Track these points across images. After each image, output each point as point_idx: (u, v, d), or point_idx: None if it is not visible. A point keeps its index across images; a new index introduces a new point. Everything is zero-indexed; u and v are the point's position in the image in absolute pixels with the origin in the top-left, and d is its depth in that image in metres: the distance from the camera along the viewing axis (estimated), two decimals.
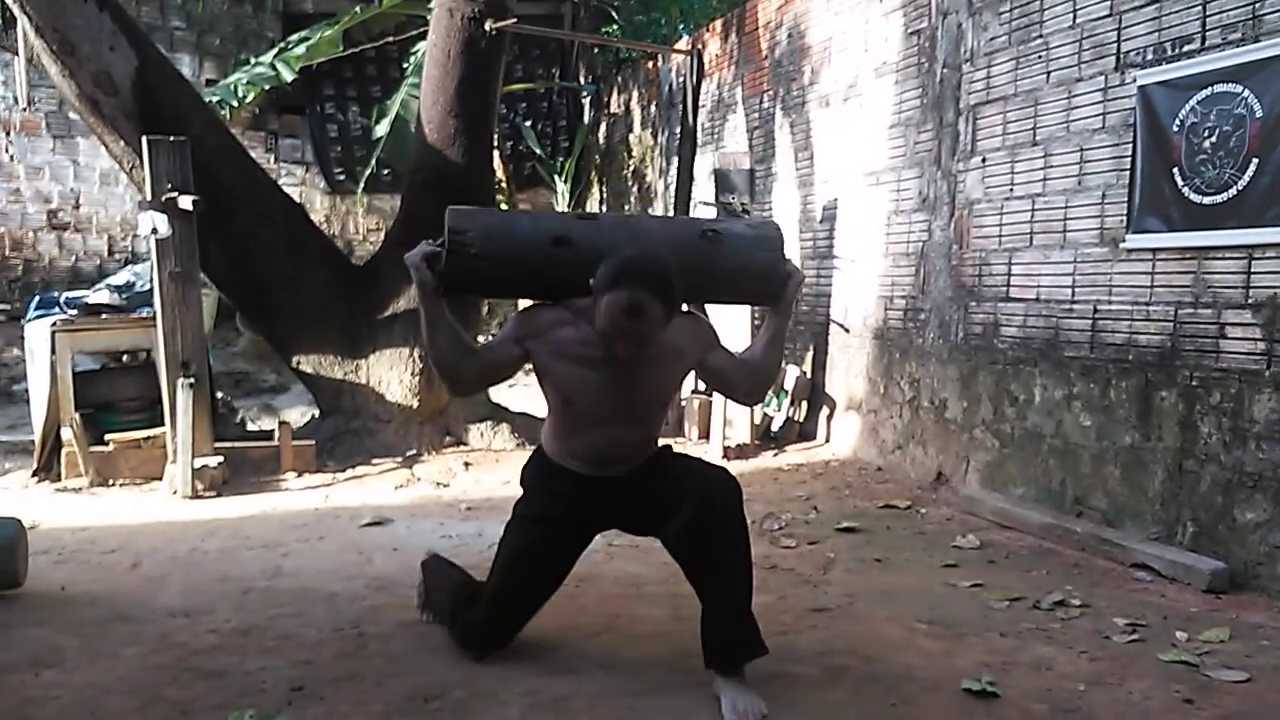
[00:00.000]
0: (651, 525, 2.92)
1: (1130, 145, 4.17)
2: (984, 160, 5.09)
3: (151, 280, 5.67)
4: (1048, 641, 3.15)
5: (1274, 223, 3.58)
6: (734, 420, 6.44)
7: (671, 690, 2.76)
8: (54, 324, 5.68)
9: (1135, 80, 4.14)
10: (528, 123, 11.53)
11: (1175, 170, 3.96)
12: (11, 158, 10.32)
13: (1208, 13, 3.85)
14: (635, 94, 10.42)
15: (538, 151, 11.31)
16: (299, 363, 6.43)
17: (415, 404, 6.31)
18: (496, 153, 8.29)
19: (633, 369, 2.69)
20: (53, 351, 5.61)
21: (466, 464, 5.99)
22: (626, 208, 10.59)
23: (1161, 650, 3.06)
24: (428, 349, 2.86)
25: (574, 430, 2.85)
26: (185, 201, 5.31)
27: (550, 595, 3.00)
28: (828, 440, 6.59)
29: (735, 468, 5.99)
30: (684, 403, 7.14)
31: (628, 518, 2.96)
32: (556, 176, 11.40)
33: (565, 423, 2.86)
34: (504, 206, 10.20)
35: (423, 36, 7.24)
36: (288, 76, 8.66)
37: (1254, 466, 3.69)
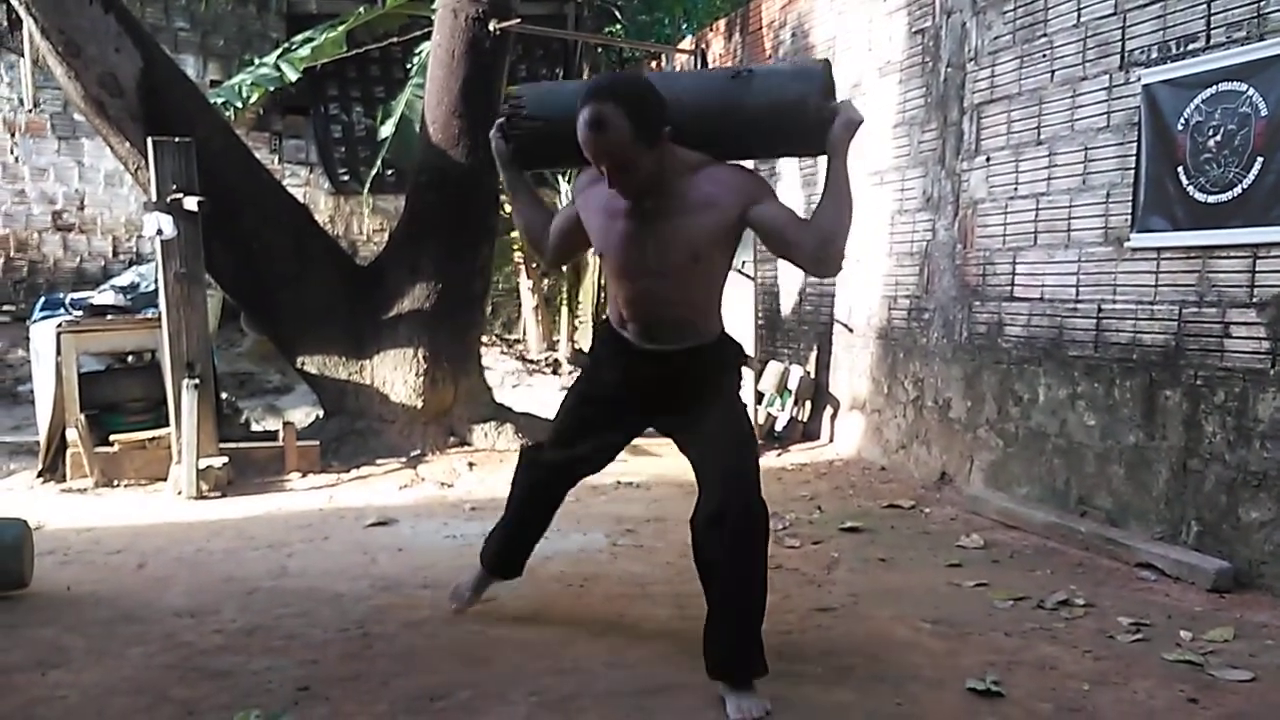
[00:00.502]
0: (680, 433, 2.93)
1: (1135, 144, 4.17)
2: (988, 159, 5.09)
3: (156, 281, 5.68)
4: (1052, 641, 3.15)
5: (1279, 221, 3.58)
6: None
7: (678, 689, 2.77)
8: (59, 325, 5.69)
9: (1140, 79, 4.14)
10: None
11: (1180, 169, 3.96)
12: (16, 159, 10.32)
13: (1212, 11, 3.85)
14: None
15: None
16: (303, 363, 6.44)
17: (419, 404, 6.31)
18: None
19: (654, 218, 2.64)
20: (58, 352, 5.62)
21: (471, 464, 5.99)
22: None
23: (1166, 650, 3.06)
24: (515, 219, 3.08)
25: (616, 290, 2.84)
26: (190, 202, 5.32)
27: (601, 460, 3.17)
28: (832, 440, 6.59)
29: None
30: None
31: (666, 409, 2.90)
32: (560, 177, 11.39)
33: (611, 283, 2.88)
34: (508, 207, 10.18)
35: (427, 37, 7.25)
36: (292, 77, 8.67)
37: (1258, 466, 3.69)
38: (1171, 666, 2.94)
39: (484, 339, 7.98)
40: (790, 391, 6.72)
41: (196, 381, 5.41)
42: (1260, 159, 3.63)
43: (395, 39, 9.46)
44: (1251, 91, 3.66)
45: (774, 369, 6.77)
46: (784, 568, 3.99)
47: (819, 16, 6.73)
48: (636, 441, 6.50)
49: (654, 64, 9.87)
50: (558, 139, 2.74)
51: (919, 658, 3.00)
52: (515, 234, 9.72)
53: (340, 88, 11.30)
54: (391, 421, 6.32)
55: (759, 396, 6.59)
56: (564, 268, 9.73)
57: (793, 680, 2.82)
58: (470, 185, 6.19)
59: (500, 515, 3.32)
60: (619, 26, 11.51)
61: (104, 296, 6.31)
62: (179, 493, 5.29)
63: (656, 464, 6.10)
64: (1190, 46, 3.94)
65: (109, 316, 6.06)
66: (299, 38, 9.20)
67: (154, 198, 5.37)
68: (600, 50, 11.55)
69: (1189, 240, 3.95)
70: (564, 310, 11.07)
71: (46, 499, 5.33)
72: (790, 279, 7.16)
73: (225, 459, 5.51)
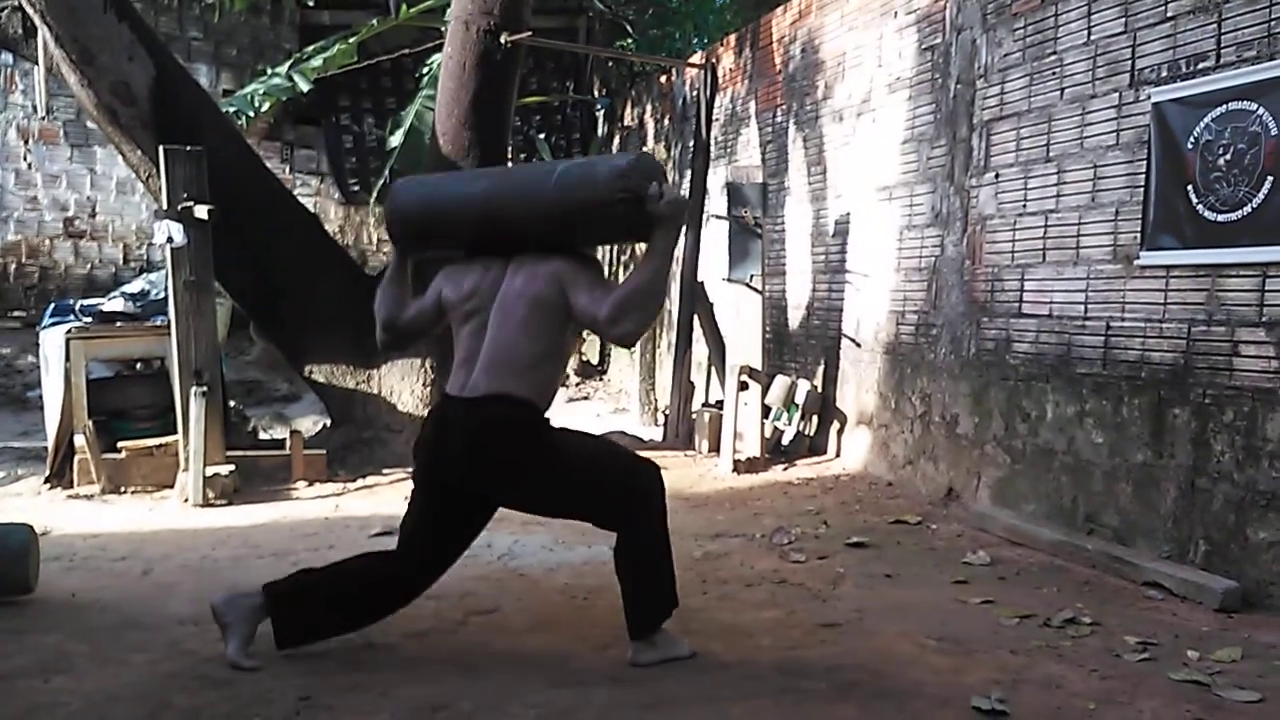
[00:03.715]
0: None
1: (1144, 162, 4.17)
2: (997, 176, 5.09)
3: (166, 289, 5.71)
4: (1058, 659, 3.14)
5: None
6: (744, 434, 6.44)
7: (678, 704, 2.76)
8: (69, 331, 5.72)
9: (1149, 97, 4.14)
10: (542, 135, 11.56)
11: (1189, 187, 3.95)
12: (30, 166, 10.40)
13: (1223, 30, 3.85)
14: (649, 107, 10.45)
15: None
16: (311, 372, 6.46)
17: (426, 414, 6.30)
18: (510, 165, 8.31)
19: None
20: (67, 359, 5.64)
21: None
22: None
23: (1173, 669, 3.04)
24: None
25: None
26: (201, 211, 5.35)
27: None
28: (838, 455, 6.57)
29: (745, 481, 6.02)
30: (694, 416, 7.14)
31: None
32: None
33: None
34: None
35: (438, 49, 7.28)
36: (304, 87, 8.71)
37: (1267, 485, 3.67)
38: (1178, 686, 2.92)
39: None
40: (797, 406, 6.71)
41: (205, 389, 5.42)
42: (1270, 178, 3.63)
43: (407, 50, 9.50)
44: (1262, 111, 3.66)
45: (781, 383, 6.76)
46: (789, 582, 3.98)
47: (829, 32, 6.74)
48: (642, 454, 6.48)
49: (664, 78, 9.90)
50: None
51: (924, 675, 2.99)
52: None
53: (352, 98, 11.36)
54: (398, 431, 6.32)
55: (766, 411, 6.58)
56: None
57: (796, 696, 2.81)
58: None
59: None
60: (630, 41, 11.54)
61: (114, 303, 6.34)
62: (185, 500, 5.30)
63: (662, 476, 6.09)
64: (1200, 65, 3.94)
65: (118, 323, 6.09)
66: (311, 48, 9.24)
67: (165, 206, 5.40)
68: (611, 64, 11.59)
69: (1198, 259, 3.94)
70: None
71: (53, 505, 5.34)
72: (799, 293, 7.16)
73: (232, 467, 5.52)
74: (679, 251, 8.00)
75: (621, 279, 2.88)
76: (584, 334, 10.46)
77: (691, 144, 8.05)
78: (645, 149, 10.41)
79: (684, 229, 6.94)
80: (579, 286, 2.89)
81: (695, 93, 8.11)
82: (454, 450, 2.93)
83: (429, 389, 6.29)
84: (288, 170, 11.16)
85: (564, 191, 2.90)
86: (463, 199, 3.10)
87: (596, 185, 2.88)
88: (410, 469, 5.85)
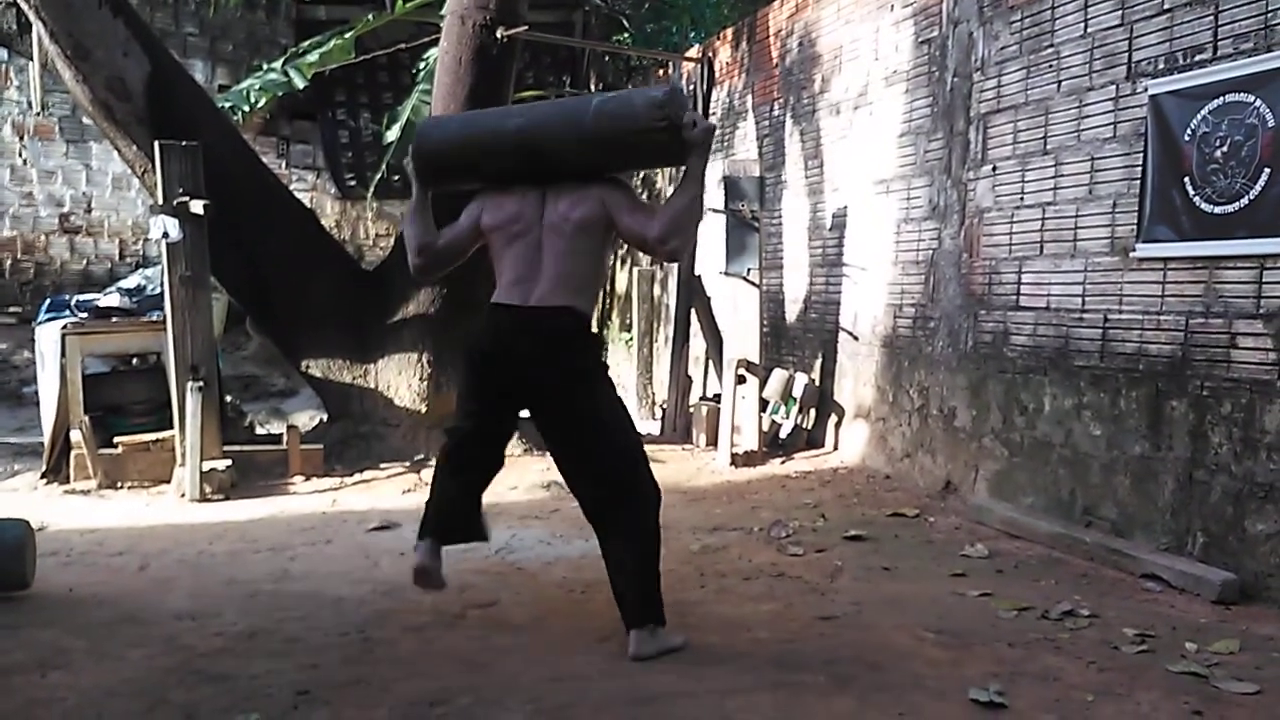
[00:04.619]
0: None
1: (1141, 154, 4.16)
2: (994, 169, 5.09)
3: (162, 284, 5.70)
4: (1056, 652, 3.14)
5: None
6: (742, 427, 6.43)
7: (676, 696, 2.76)
8: (64, 327, 5.70)
9: (1146, 89, 4.13)
10: None
11: (1186, 179, 3.95)
12: (25, 161, 10.36)
13: (1219, 22, 3.84)
14: None
15: None
16: (308, 367, 6.45)
17: (423, 409, 6.31)
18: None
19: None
20: (63, 354, 5.63)
21: None
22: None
23: (1171, 661, 3.04)
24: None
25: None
26: (196, 206, 5.34)
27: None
28: (836, 448, 6.57)
29: (743, 474, 6.02)
30: (692, 410, 7.13)
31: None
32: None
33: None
34: None
35: (434, 43, 7.25)
36: (300, 83, 8.67)
37: (1265, 477, 3.67)
38: (1176, 678, 2.92)
39: None
40: (795, 399, 6.71)
41: (201, 384, 5.42)
42: (1267, 170, 3.63)
43: (403, 45, 9.46)
44: (1259, 102, 3.65)
45: (779, 376, 6.76)
46: (786, 576, 3.98)
47: (825, 26, 6.73)
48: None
49: (661, 71, 9.89)
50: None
51: (922, 667, 2.99)
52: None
53: (348, 94, 11.33)
54: (395, 426, 6.32)
55: (763, 404, 6.58)
56: None
57: (794, 689, 2.81)
58: (475, 190, 6.18)
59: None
60: (626, 35, 11.51)
61: (110, 299, 6.33)
62: (182, 495, 5.29)
63: (660, 470, 6.09)
64: (1197, 57, 3.93)
65: (114, 319, 6.08)
66: (307, 43, 9.20)
67: (160, 201, 5.39)
68: (608, 58, 11.56)
69: (1195, 251, 3.94)
70: None
71: (50, 500, 5.34)
72: (796, 286, 7.16)
73: (229, 462, 5.51)
74: None
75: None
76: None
77: None
78: None
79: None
80: (623, 208, 3.14)
81: (692, 87, 8.09)
82: (522, 353, 3.09)
83: (426, 384, 6.28)
84: (284, 165, 11.12)
85: (603, 121, 3.11)
86: (499, 135, 3.26)
87: (636, 115, 3.09)
88: (414, 464, 5.91)
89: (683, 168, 3.23)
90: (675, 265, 7.56)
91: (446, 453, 3.33)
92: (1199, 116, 3.89)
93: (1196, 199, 3.90)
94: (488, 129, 3.34)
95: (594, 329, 3.22)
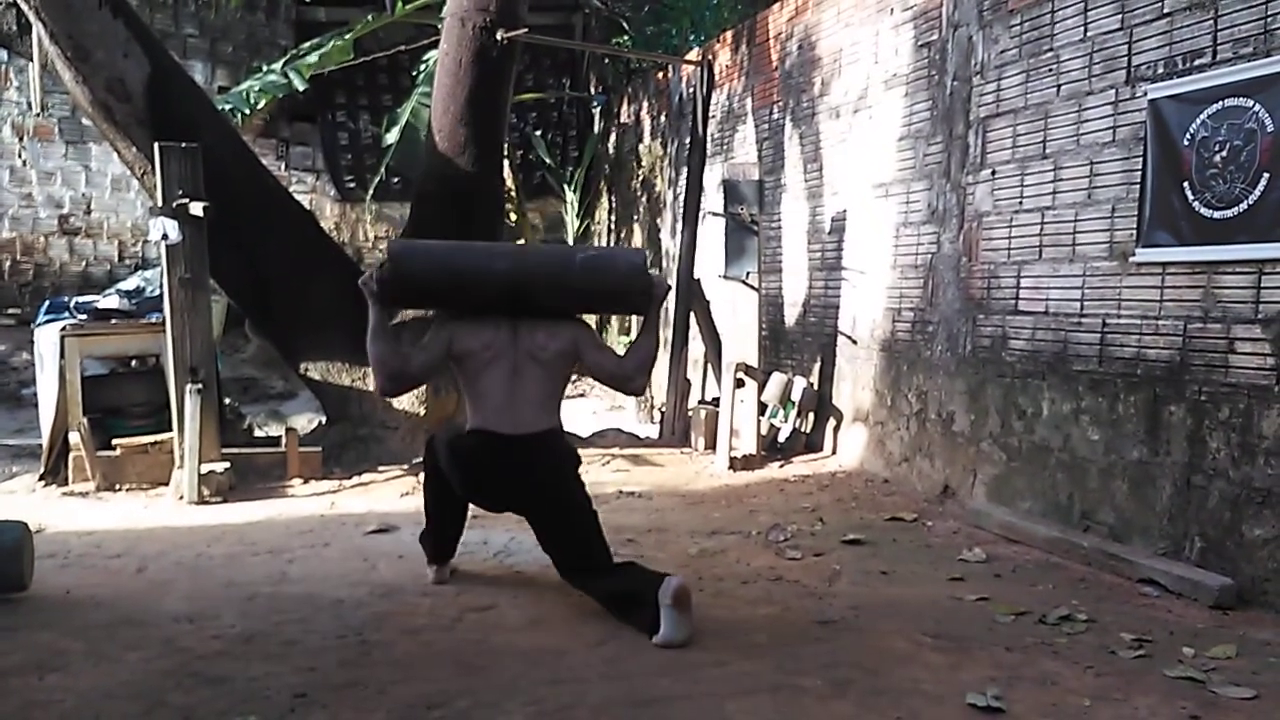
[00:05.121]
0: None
1: (1140, 159, 4.17)
2: (993, 173, 5.09)
3: (161, 286, 5.69)
4: (1053, 656, 3.14)
5: None
6: (740, 431, 6.44)
7: (672, 701, 2.75)
8: (63, 328, 5.70)
9: (1146, 94, 4.14)
10: (538, 132, 11.56)
11: (1185, 184, 3.95)
12: (24, 163, 10.38)
13: (1219, 27, 3.85)
14: (645, 104, 10.45)
15: (547, 161, 11.34)
16: (307, 370, 6.44)
17: (422, 412, 6.31)
18: (506, 162, 8.30)
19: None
20: (62, 356, 5.63)
21: None
22: (635, 217, 10.61)
23: (1168, 666, 3.04)
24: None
25: None
26: (196, 208, 5.33)
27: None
28: (834, 452, 6.57)
29: (741, 478, 6.02)
30: (690, 414, 7.14)
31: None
32: (566, 186, 11.42)
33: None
34: (513, 216, 10.22)
35: (434, 45, 7.27)
36: (299, 84, 8.69)
37: (1262, 482, 3.67)
38: (1173, 683, 2.92)
39: None
40: (793, 403, 6.71)
41: (200, 386, 5.41)
42: (1266, 175, 3.63)
43: (403, 47, 9.48)
44: (1258, 107, 3.66)
45: (777, 380, 6.77)
46: (784, 579, 3.98)
47: (825, 29, 6.74)
48: (638, 451, 6.50)
49: (660, 75, 9.90)
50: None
51: (919, 672, 2.99)
52: (521, 243, 9.74)
53: (348, 95, 11.35)
54: (394, 429, 6.32)
55: (762, 408, 6.58)
56: None
57: (792, 693, 2.81)
58: (475, 193, 6.19)
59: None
60: (626, 38, 11.53)
61: (109, 301, 6.33)
62: (180, 497, 5.29)
63: (658, 474, 6.10)
64: (1197, 62, 3.94)
65: (113, 321, 6.07)
66: (307, 45, 9.22)
67: (160, 203, 5.39)
68: (607, 61, 11.58)
69: (1194, 255, 3.94)
70: None
71: (48, 502, 5.33)
72: (795, 290, 7.16)
73: (227, 464, 5.51)
74: (674, 249, 8.00)
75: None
76: None
77: (688, 141, 8.05)
78: (641, 145, 10.41)
79: (680, 228, 7.54)
80: (590, 346, 3.63)
81: (692, 89, 8.11)
82: (512, 474, 3.51)
83: (424, 387, 6.27)
84: (283, 167, 11.15)
85: (588, 275, 3.56)
86: (486, 273, 3.53)
87: (619, 275, 3.59)
88: (412, 467, 5.90)
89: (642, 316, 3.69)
90: (674, 268, 7.59)
91: (430, 473, 3.82)
92: (1198, 121, 3.89)
93: (1195, 204, 3.91)
94: (476, 267, 3.56)
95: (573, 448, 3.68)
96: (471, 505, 3.82)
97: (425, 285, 3.59)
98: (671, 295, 7.76)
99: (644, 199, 10.41)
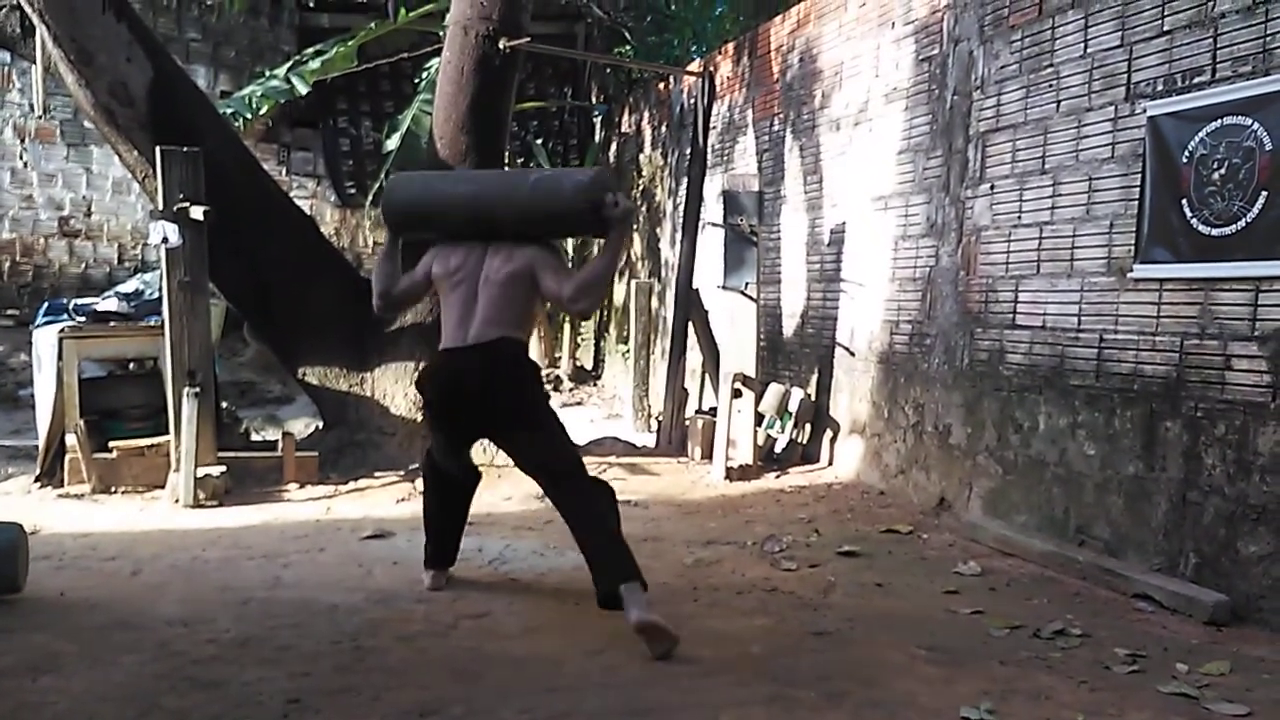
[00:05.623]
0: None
1: (1139, 175, 4.18)
2: (993, 187, 5.11)
3: (160, 289, 5.69)
4: (1048, 670, 3.14)
5: None
6: (737, 441, 6.44)
7: (669, 710, 2.75)
8: (62, 330, 5.70)
9: (1145, 110, 4.16)
10: (539, 141, 11.57)
11: (1184, 201, 3.97)
12: (25, 164, 10.38)
13: (1218, 45, 3.87)
14: (646, 114, 10.47)
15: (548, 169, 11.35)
16: (304, 374, 6.44)
17: (419, 417, 6.30)
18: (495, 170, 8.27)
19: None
20: (60, 358, 5.63)
21: None
22: (635, 227, 10.63)
23: (1162, 682, 3.05)
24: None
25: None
26: (196, 212, 5.34)
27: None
28: (830, 463, 6.58)
29: (738, 488, 6.02)
30: (688, 423, 7.14)
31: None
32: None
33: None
34: None
35: (437, 53, 7.28)
36: (302, 90, 8.69)
37: (1258, 499, 3.68)
38: (1167, 699, 2.93)
39: None
40: (790, 414, 6.71)
41: (197, 390, 5.41)
42: (1265, 193, 3.65)
43: (406, 54, 9.48)
44: (1256, 126, 3.68)
45: (775, 391, 6.77)
46: (780, 590, 3.98)
47: (826, 42, 6.76)
48: (635, 460, 6.50)
49: (662, 85, 9.92)
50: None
51: (914, 684, 2.99)
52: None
53: (350, 102, 11.36)
54: (391, 434, 6.32)
55: (759, 418, 6.58)
56: None
57: (786, 705, 2.81)
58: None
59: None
60: (628, 47, 11.55)
61: (108, 303, 6.32)
62: (176, 501, 5.28)
63: (655, 483, 6.09)
64: (1196, 80, 3.96)
65: (112, 323, 6.07)
66: (310, 51, 9.22)
67: (161, 206, 5.40)
68: (609, 70, 11.60)
69: (1192, 272, 3.96)
70: (566, 328, 11.09)
71: (43, 504, 5.32)
72: (793, 301, 7.17)
73: (223, 468, 5.50)
74: (673, 259, 8.02)
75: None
76: (580, 340, 10.52)
77: (688, 151, 8.07)
78: (642, 155, 10.44)
79: (680, 238, 7.51)
80: (547, 270, 3.62)
81: (693, 100, 8.13)
82: (474, 384, 3.54)
83: None
84: (284, 172, 11.15)
85: (536, 196, 3.63)
86: (450, 198, 3.77)
87: (563, 195, 3.59)
88: (408, 473, 5.90)
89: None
90: (673, 278, 7.60)
91: (428, 474, 4.00)
92: (1197, 138, 3.91)
93: (1194, 221, 3.92)
94: (443, 192, 3.82)
95: (531, 357, 3.75)
96: (461, 504, 4.01)
97: (410, 211, 3.83)
98: (670, 305, 7.78)
99: (644, 208, 10.42)
